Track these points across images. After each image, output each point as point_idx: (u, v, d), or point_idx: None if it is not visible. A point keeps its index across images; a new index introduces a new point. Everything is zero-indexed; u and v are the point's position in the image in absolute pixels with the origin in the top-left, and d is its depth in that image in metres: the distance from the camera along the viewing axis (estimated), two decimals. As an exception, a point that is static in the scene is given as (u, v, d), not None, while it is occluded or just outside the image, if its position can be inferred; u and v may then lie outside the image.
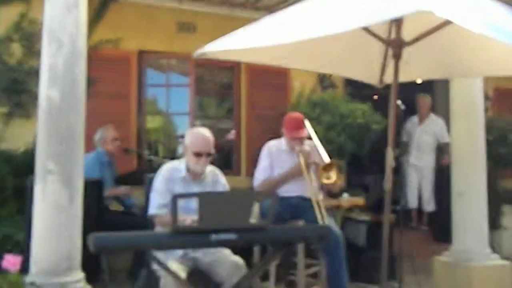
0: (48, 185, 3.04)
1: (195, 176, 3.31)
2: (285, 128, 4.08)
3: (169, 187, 3.23)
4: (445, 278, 4.68)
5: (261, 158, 4.16)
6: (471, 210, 4.57)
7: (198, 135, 3.30)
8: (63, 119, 3.10)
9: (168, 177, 3.26)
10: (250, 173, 6.11)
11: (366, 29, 3.46)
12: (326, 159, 3.93)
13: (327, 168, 3.89)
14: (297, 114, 4.19)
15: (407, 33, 3.51)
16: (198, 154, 3.21)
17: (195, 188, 3.29)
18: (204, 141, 3.26)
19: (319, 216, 3.67)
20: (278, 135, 4.29)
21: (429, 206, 6.70)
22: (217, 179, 3.42)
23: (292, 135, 4.01)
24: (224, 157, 7.11)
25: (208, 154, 3.25)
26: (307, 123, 4.21)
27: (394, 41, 3.49)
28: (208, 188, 3.34)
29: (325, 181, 3.89)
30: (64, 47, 3.12)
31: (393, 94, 3.58)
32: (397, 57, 3.48)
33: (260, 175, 4.08)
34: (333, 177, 3.89)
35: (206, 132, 3.32)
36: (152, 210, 3.21)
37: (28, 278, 3.02)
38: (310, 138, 4.18)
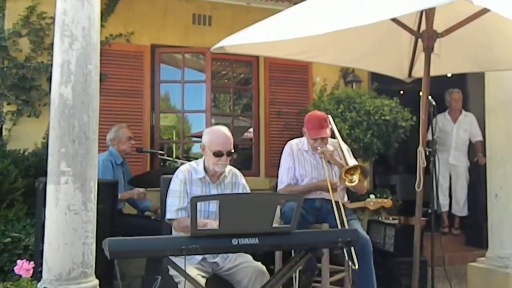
0: (61, 187, 3.05)
1: (214, 177, 3.32)
2: (306, 127, 4.06)
3: (187, 189, 3.25)
4: (479, 286, 4.62)
5: (283, 158, 4.15)
6: (508, 213, 4.50)
7: (217, 133, 3.30)
8: (76, 118, 3.12)
9: (186, 178, 3.27)
10: (270, 174, 6.14)
11: (395, 21, 3.44)
12: (350, 162, 3.89)
13: (350, 170, 3.86)
14: (318, 113, 4.16)
15: (438, 25, 3.49)
16: (218, 154, 3.22)
17: (214, 190, 3.31)
18: (224, 139, 3.26)
19: (338, 221, 3.65)
20: (299, 133, 4.28)
21: (463, 210, 6.64)
22: (236, 180, 3.42)
23: (313, 136, 4.00)
24: (242, 157, 7.13)
25: (229, 153, 3.25)
26: (331, 121, 4.19)
27: (426, 33, 3.47)
28: (228, 189, 3.35)
29: (347, 184, 3.87)
30: (77, 42, 3.13)
31: (424, 88, 3.57)
32: (429, 49, 3.46)
33: (284, 176, 4.07)
34: (355, 180, 3.86)
35: (225, 130, 3.32)
36: (171, 214, 3.22)
37: (41, 285, 3.06)
38: (334, 136, 4.16)
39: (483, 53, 3.88)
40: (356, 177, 3.85)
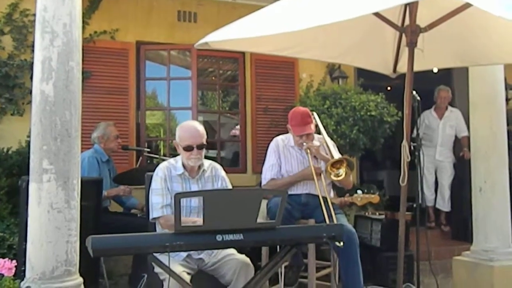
0: (44, 185, 3.03)
1: (193, 172, 3.31)
2: (290, 124, 4.06)
3: (168, 186, 3.23)
4: (465, 279, 4.65)
5: (267, 155, 4.14)
6: (492, 206, 4.54)
7: (185, 128, 3.29)
8: (58, 115, 3.08)
9: (165, 175, 3.26)
10: (257, 170, 6.13)
11: (379, 16, 3.45)
12: (335, 155, 3.90)
13: (336, 164, 3.86)
14: (301, 109, 4.15)
15: (421, 20, 3.50)
16: (188, 148, 3.21)
17: (194, 186, 3.30)
18: (192, 133, 3.24)
19: (326, 217, 3.66)
20: (285, 130, 4.28)
21: (448, 205, 6.68)
22: (216, 173, 3.41)
23: (298, 133, 4.00)
24: (229, 154, 7.12)
25: (200, 146, 3.23)
26: (316, 116, 4.19)
27: (409, 27, 3.48)
28: (208, 184, 3.34)
29: (333, 178, 3.87)
30: (58, 38, 3.10)
31: (407, 83, 3.57)
32: (412, 44, 3.47)
33: (267, 173, 4.06)
34: (342, 174, 3.86)
35: (194, 124, 3.32)
36: (156, 212, 3.19)
37: (24, 284, 3.02)
38: (319, 132, 4.16)
39: (466, 48, 3.91)
40: (342, 171, 3.85)
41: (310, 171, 3.83)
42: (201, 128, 3.29)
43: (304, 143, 3.96)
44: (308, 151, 3.93)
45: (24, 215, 3.30)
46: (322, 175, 3.92)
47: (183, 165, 3.29)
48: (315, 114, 4.22)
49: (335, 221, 3.61)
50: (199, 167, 3.32)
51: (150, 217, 3.24)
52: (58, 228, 3.03)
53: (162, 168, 3.29)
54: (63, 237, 3.04)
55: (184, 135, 3.25)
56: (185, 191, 3.17)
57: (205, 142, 3.27)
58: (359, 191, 4.75)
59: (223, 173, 3.44)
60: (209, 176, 3.36)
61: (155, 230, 3.30)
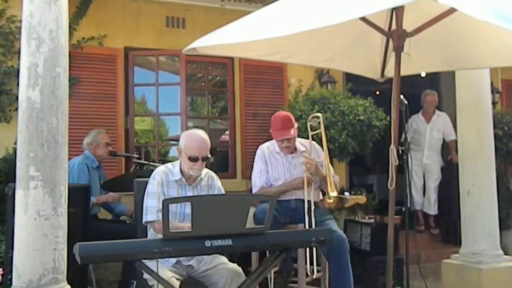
0: (30, 192, 2.99)
1: (190, 179, 3.30)
2: (272, 129, 4.08)
3: (164, 191, 3.22)
4: (454, 282, 4.67)
5: (255, 162, 4.16)
6: (480, 209, 4.56)
7: (193, 138, 3.26)
8: (45, 121, 3.06)
9: (162, 180, 3.24)
10: (246, 176, 6.12)
11: (366, 21, 3.46)
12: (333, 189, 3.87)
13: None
14: (283, 113, 4.16)
15: (408, 25, 3.52)
16: (193, 159, 3.19)
17: (190, 192, 3.28)
18: (200, 144, 3.22)
19: (313, 221, 3.69)
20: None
21: (434, 208, 6.71)
22: (212, 183, 3.40)
23: (277, 137, 4.02)
24: (219, 159, 7.11)
25: (204, 158, 3.22)
26: (320, 121, 4.17)
27: (395, 32, 3.49)
28: (204, 192, 3.32)
29: (327, 200, 3.87)
30: (44, 44, 3.08)
31: (395, 87, 3.58)
32: (399, 48, 3.48)
33: (257, 180, 4.07)
34: (332, 200, 3.85)
35: (202, 135, 3.29)
36: (151, 216, 3.16)
37: (11, 292, 3.00)
38: (307, 137, 4.18)
39: (452, 52, 3.93)
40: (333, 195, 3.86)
41: (300, 181, 3.84)
42: (207, 139, 3.27)
43: (303, 157, 3.95)
44: (306, 167, 3.91)
45: (11, 223, 3.27)
46: (311, 188, 3.93)
47: (181, 172, 3.28)
48: (321, 117, 4.13)
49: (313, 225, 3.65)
50: None
51: (144, 220, 3.20)
52: (45, 235, 3.00)
53: (159, 172, 3.27)
54: (50, 245, 3.00)
55: (191, 145, 3.22)
56: (173, 197, 3.15)
57: (209, 154, 3.26)
58: (346, 193, 4.75)
59: (219, 183, 3.43)
60: (205, 185, 3.35)
61: (146, 236, 3.27)
